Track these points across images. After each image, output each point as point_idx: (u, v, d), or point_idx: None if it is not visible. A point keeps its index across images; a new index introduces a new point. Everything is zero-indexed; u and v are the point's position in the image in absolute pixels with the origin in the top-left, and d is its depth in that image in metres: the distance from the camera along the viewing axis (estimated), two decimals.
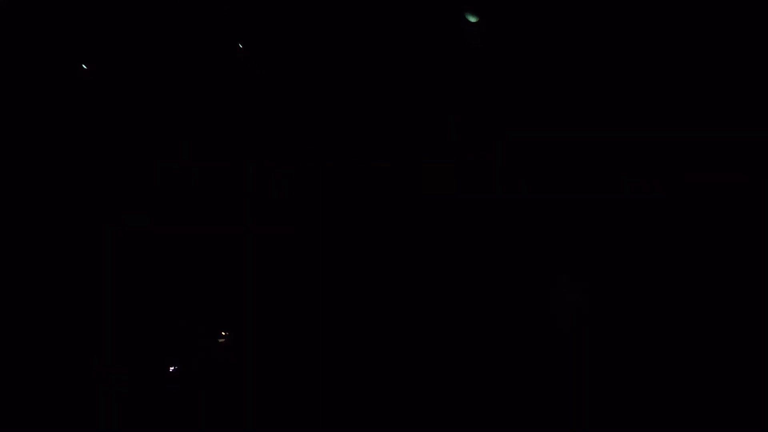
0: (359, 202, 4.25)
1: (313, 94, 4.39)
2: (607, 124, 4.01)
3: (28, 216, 4.22)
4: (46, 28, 4.30)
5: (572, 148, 4.07)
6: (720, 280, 3.73)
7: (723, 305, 3.68)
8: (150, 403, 3.82)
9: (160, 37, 4.37)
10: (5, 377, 3.84)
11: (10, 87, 4.29)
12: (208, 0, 4.32)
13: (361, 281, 4.13)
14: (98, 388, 3.83)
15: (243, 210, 4.29)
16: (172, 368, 3.91)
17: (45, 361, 3.94)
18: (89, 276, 4.18)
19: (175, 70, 4.41)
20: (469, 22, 3.05)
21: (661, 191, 3.89)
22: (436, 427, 3.60)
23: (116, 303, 4.12)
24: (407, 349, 3.94)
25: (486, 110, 4.22)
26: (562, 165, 4.08)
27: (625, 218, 3.93)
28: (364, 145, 4.31)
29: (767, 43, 3.79)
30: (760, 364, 3.48)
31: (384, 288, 4.11)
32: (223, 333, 4.05)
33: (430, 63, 4.27)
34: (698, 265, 3.79)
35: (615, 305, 3.85)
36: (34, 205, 4.24)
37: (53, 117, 4.37)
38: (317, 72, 4.39)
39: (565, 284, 3.92)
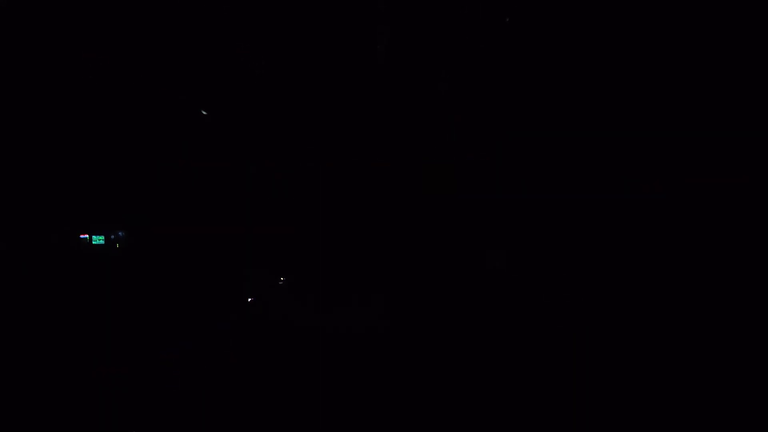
0: (359, 202, 4.25)
1: (313, 95, 4.39)
2: (607, 124, 4.02)
3: (28, 216, 4.22)
4: (47, 27, 4.30)
5: (572, 148, 4.07)
6: (720, 279, 3.73)
7: (724, 303, 3.69)
8: (150, 403, 3.82)
9: (161, 38, 4.37)
10: (5, 377, 3.84)
11: (10, 87, 4.29)
12: (208, 0, 4.32)
13: (361, 280, 4.13)
14: (98, 388, 3.83)
15: (243, 210, 4.29)
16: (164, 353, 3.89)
17: (45, 361, 3.94)
18: (89, 275, 4.18)
19: (176, 70, 4.41)
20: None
21: (661, 191, 3.89)
22: (436, 414, 3.60)
23: (116, 303, 4.13)
24: (406, 346, 3.94)
25: (486, 110, 4.22)
26: (562, 165, 4.08)
27: (625, 218, 3.93)
28: (364, 145, 4.31)
29: (767, 43, 3.79)
30: (761, 361, 3.48)
31: (384, 286, 4.11)
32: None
33: (429, 63, 4.27)
34: (699, 263, 3.79)
35: (616, 303, 3.84)
36: (34, 205, 4.24)
37: (54, 117, 4.37)
38: (318, 73, 4.39)
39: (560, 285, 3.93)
